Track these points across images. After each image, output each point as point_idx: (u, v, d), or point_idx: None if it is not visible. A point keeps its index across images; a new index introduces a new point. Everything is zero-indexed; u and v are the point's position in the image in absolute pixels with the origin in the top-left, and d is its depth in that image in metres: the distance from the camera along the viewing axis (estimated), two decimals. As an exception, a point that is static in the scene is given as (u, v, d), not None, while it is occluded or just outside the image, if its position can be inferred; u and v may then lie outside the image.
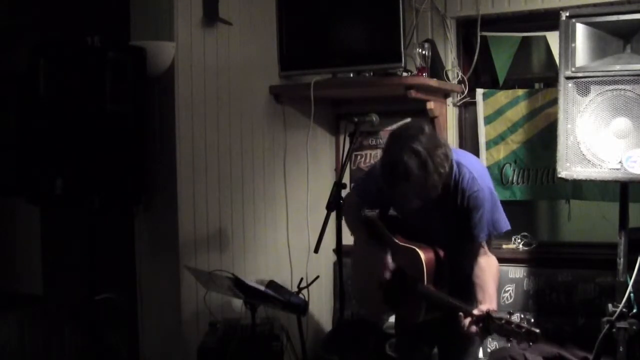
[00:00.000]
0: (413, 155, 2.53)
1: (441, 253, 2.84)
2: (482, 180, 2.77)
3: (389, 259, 2.92)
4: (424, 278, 2.78)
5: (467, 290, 2.79)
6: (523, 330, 2.46)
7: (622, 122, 3.06)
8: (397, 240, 2.95)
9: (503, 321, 2.51)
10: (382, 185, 2.73)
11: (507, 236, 4.41)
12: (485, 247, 2.81)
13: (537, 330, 2.45)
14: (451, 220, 2.80)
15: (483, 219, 2.74)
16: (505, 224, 2.83)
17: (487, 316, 2.56)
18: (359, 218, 3.10)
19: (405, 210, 2.98)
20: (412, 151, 2.54)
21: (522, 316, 2.53)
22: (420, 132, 2.59)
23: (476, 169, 2.80)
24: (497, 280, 2.80)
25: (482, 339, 2.57)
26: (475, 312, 2.59)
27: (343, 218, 2.83)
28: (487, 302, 2.66)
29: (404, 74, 3.94)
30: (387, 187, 2.69)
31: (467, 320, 2.60)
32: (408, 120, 2.77)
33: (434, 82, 4.01)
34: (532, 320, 2.52)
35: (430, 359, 3.16)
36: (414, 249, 2.82)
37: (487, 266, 2.78)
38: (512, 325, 2.48)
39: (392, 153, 2.61)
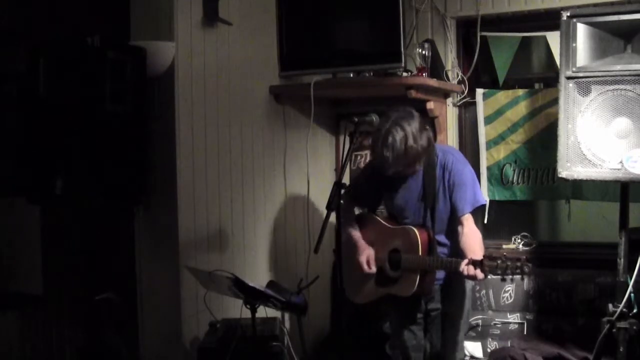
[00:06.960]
0: (399, 129, 3.01)
1: (431, 232, 3.22)
2: (465, 163, 3.29)
3: (372, 250, 3.30)
4: (419, 251, 3.16)
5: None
6: (518, 264, 2.82)
7: (623, 122, 3.06)
8: (390, 225, 3.33)
9: (499, 261, 2.85)
10: (374, 165, 3.18)
11: (507, 236, 4.42)
12: (470, 220, 3.18)
13: (530, 264, 2.84)
14: (440, 199, 3.22)
15: (467, 194, 3.18)
16: (483, 199, 3.30)
17: (483, 259, 2.89)
18: (350, 216, 3.45)
19: (394, 192, 3.31)
20: (399, 126, 3.02)
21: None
22: (411, 117, 3.08)
23: (458, 155, 3.32)
24: (482, 248, 3.11)
25: (481, 279, 2.92)
26: (473, 257, 2.93)
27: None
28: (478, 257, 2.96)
29: (404, 74, 3.95)
30: (375, 158, 3.11)
31: (465, 265, 2.91)
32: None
33: (434, 82, 4.01)
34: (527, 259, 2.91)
35: (421, 340, 3.45)
36: (409, 228, 3.23)
37: (472, 234, 3.15)
38: (508, 262, 2.83)
39: (383, 127, 3.05)
